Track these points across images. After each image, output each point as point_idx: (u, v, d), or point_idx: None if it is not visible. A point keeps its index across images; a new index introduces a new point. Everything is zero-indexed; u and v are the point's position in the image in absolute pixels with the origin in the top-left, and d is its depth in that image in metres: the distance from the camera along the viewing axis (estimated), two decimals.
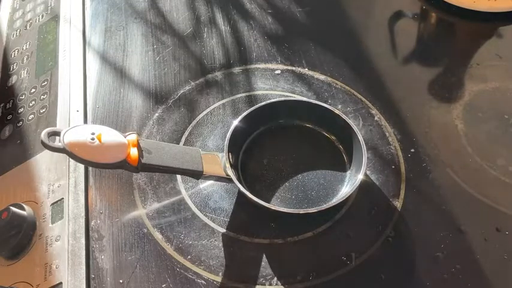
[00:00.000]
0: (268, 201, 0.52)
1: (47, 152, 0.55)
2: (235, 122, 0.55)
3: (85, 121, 0.61)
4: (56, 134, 0.43)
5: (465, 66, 0.69)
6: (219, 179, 0.52)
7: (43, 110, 0.61)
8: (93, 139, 0.43)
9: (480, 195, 0.55)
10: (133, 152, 0.45)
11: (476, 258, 0.50)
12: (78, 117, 0.61)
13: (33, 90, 0.64)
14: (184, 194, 0.55)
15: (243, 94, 0.64)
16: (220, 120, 0.61)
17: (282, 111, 0.58)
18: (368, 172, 0.56)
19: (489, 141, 0.60)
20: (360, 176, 0.51)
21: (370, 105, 0.62)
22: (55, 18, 0.72)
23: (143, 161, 0.46)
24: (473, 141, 0.60)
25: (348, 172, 0.55)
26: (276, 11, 0.76)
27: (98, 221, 0.52)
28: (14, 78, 0.68)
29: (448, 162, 0.58)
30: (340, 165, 0.56)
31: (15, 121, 0.62)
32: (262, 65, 0.67)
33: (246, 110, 0.56)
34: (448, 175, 0.57)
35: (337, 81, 0.65)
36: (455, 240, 0.51)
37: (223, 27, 0.73)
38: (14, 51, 0.72)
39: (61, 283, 0.47)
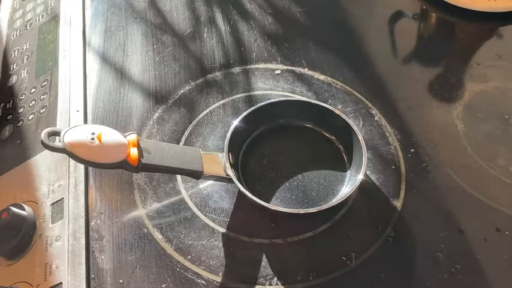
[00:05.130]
0: (268, 201, 0.52)
1: (47, 152, 0.55)
2: (235, 122, 0.55)
3: (85, 121, 0.61)
4: (56, 134, 0.43)
5: (465, 66, 0.69)
6: (219, 179, 0.52)
7: (43, 110, 0.61)
8: (93, 139, 0.43)
9: (480, 195, 0.55)
10: (134, 152, 0.45)
11: (476, 258, 0.50)
12: (78, 117, 0.60)
13: (33, 90, 0.64)
14: (184, 194, 0.55)
15: (243, 94, 0.64)
16: (220, 120, 0.61)
17: (282, 111, 0.58)
18: (368, 172, 0.56)
19: (489, 141, 0.60)
20: (360, 176, 0.51)
21: (370, 105, 0.62)
22: (55, 18, 0.72)
23: (143, 161, 0.46)
24: (473, 141, 0.60)
25: (348, 172, 0.55)
26: (276, 11, 0.76)
27: (98, 221, 0.52)
28: (14, 78, 0.68)
29: (448, 162, 0.58)
30: (340, 165, 0.56)
31: (15, 121, 0.62)
32: (262, 65, 0.67)
33: (246, 110, 0.56)
34: (448, 175, 0.57)
35: (337, 81, 0.65)
36: (455, 240, 0.51)
37: (223, 27, 0.73)
38: (14, 51, 0.72)
39: (61, 283, 0.47)
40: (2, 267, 0.50)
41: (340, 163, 0.56)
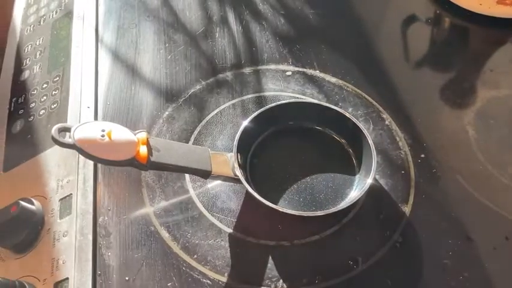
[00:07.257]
0: (275, 203, 0.52)
1: (56, 147, 0.55)
2: (245, 123, 0.55)
3: (95, 118, 0.61)
4: (67, 130, 0.43)
5: (478, 72, 0.68)
6: (227, 179, 0.52)
7: (54, 106, 0.61)
8: (103, 136, 0.44)
9: (490, 203, 0.54)
10: (143, 150, 0.45)
11: (485, 267, 0.50)
12: (88, 113, 0.61)
13: (45, 85, 0.65)
14: (192, 193, 0.55)
15: (253, 95, 0.64)
16: (230, 121, 0.61)
17: (292, 112, 0.58)
18: (377, 176, 0.55)
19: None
20: (369, 180, 0.51)
21: (381, 109, 0.62)
22: (69, 14, 0.73)
23: (152, 159, 0.46)
24: (485, 148, 0.59)
25: (357, 176, 0.54)
26: (289, 12, 0.75)
27: (106, 218, 0.53)
28: (26, 73, 0.68)
29: (458, 168, 0.57)
30: (349, 169, 0.55)
31: (26, 116, 0.62)
32: (273, 66, 0.67)
33: (256, 110, 0.56)
34: (458, 182, 0.56)
35: (348, 84, 0.65)
36: (464, 248, 0.51)
37: (235, 27, 0.73)
38: (27, 46, 0.72)
39: (67, 278, 0.47)
40: (10, 261, 0.50)
41: (349, 167, 0.55)
